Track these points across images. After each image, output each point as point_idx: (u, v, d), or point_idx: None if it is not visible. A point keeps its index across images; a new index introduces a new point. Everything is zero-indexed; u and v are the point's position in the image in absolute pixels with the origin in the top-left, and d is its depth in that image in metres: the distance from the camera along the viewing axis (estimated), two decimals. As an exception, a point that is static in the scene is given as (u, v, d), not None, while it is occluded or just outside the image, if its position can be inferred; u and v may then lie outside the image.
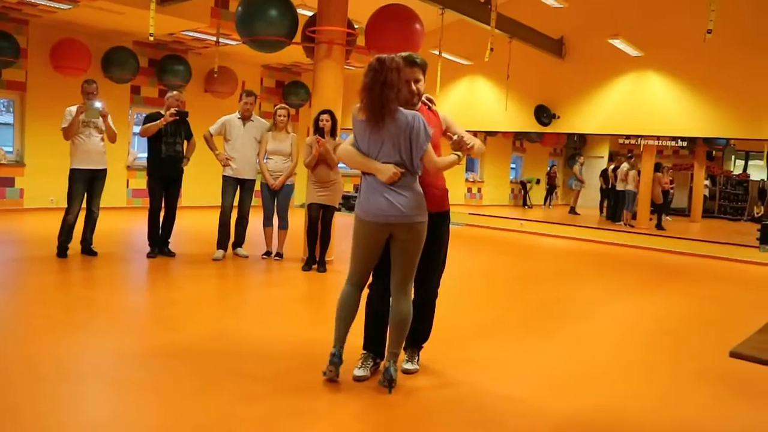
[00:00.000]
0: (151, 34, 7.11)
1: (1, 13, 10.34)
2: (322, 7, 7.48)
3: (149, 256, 7.14)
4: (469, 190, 18.70)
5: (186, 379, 3.54)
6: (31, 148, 11.23)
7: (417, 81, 3.52)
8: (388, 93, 3.26)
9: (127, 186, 12.55)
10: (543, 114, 12.69)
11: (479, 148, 3.64)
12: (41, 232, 8.14)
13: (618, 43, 10.96)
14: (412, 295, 3.59)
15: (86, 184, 6.84)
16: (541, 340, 4.90)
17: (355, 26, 7.97)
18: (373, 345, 3.73)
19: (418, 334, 3.83)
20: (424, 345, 3.94)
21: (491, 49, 8.33)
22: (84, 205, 6.94)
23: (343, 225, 11.55)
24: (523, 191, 19.72)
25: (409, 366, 3.79)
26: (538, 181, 20.21)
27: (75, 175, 6.79)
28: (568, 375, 4.05)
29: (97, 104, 6.67)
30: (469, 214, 14.39)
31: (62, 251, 6.82)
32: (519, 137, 19.20)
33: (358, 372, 3.60)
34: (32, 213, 10.83)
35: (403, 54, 3.48)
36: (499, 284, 7.49)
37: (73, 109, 6.69)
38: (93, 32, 11.29)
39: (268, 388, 3.47)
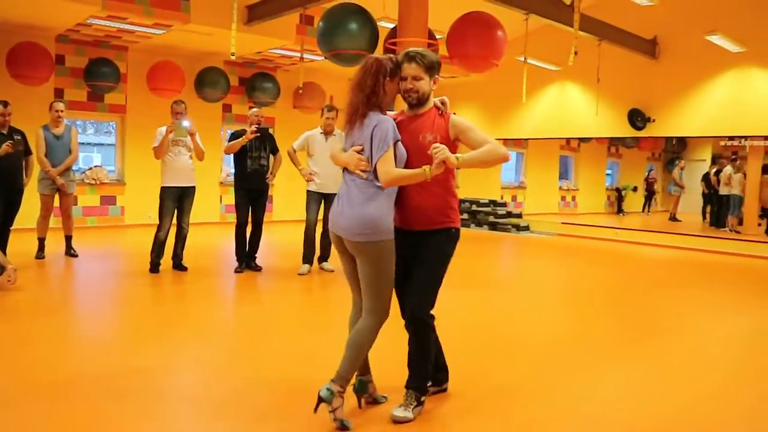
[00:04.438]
0: (232, 54, 7.32)
1: (104, 41, 10.94)
2: (402, 19, 7.44)
3: (237, 271, 7.28)
4: (563, 198, 18.19)
5: (263, 396, 3.53)
6: (131, 168, 11.79)
7: (416, 78, 3.15)
8: (357, 95, 3.12)
9: (221, 201, 12.95)
10: (637, 118, 12.17)
11: (469, 161, 3.01)
12: (139, 247, 8.47)
13: (716, 40, 10.37)
14: (376, 318, 3.12)
15: (176, 201, 7.08)
16: (632, 360, 4.61)
17: (437, 36, 7.89)
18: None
19: (410, 369, 3.33)
20: (423, 398, 3.29)
21: (575, 53, 8.04)
22: (175, 221, 7.17)
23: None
24: (618, 198, 18.99)
25: (398, 412, 3.17)
26: (635, 189, 19.39)
27: (165, 192, 7.04)
28: (663, 400, 3.78)
29: (185, 123, 6.90)
30: (562, 223, 13.97)
31: (154, 267, 7.07)
32: (614, 143, 18.52)
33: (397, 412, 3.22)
34: (132, 229, 11.35)
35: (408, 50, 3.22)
36: (586, 296, 7.12)
37: (163, 129, 6.95)
38: (186, 54, 11.77)
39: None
